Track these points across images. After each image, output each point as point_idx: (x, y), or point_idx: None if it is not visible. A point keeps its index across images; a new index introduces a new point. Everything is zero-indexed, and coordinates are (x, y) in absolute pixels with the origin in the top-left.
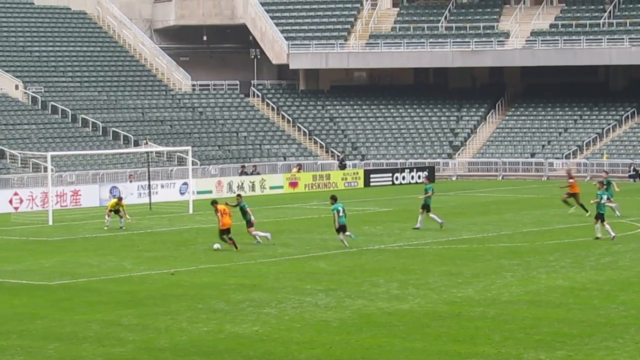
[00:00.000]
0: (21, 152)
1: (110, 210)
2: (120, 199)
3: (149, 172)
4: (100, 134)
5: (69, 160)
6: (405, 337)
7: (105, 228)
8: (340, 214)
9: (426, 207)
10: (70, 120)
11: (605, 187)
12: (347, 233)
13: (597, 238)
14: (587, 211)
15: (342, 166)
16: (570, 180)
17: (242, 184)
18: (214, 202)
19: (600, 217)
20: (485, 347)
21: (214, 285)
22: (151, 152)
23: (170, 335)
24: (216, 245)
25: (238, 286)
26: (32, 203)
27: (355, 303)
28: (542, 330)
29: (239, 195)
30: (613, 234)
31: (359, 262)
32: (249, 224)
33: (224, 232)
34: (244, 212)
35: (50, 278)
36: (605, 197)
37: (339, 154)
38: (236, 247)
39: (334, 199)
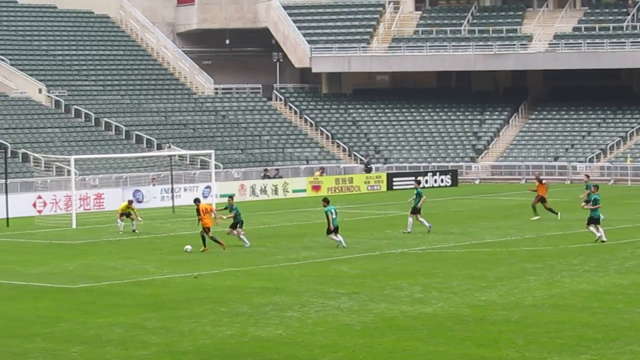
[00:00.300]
0: (45, 155)
1: (122, 214)
2: (130, 202)
3: (171, 175)
4: (123, 137)
5: (92, 164)
6: (429, 340)
7: (120, 232)
8: (333, 215)
9: (416, 211)
10: (93, 124)
11: (587, 192)
12: (339, 239)
13: (601, 241)
14: (557, 213)
15: (368, 169)
16: (541, 184)
17: (265, 187)
18: (197, 201)
19: (594, 221)
20: (508, 351)
21: (237, 289)
22: (174, 155)
23: (193, 339)
24: (188, 247)
25: (261, 289)
26: (55, 206)
27: (378, 306)
28: (565, 334)
29: (231, 196)
30: (598, 235)
31: (382, 265)
32: (241, 224)
33: (207, 231)
34: (238, 213)
35: (73, 281)
36: (593, 198)
37: (362, 158)
38: (223, 246)
39: (326, 201)
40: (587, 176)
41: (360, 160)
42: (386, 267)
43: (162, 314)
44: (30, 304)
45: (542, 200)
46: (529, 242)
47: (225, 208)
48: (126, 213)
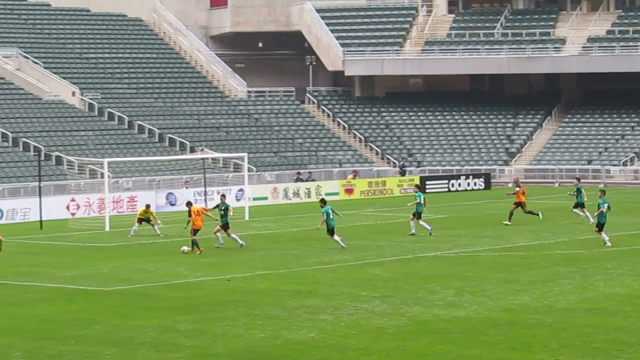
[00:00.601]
0: (78, 158)
1: (140, 219)
2: (147, 206)
3: (204, 178)
4: (157, 140)
5: (125, 167)
6: (462, 344)
7: (129, 236)
8: (330, 216)
9: (417, 215)
10: (126, 127)
11: (575, 194)
12: (337, 238)
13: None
14: (537, 214)
15: (402, 172)
16: (517, 189)
17: (298, 190)
18: (189, 204)
19: (601, 226)
20: (542, 354)
21: (269, 292)
22: (207, 158)
23: (226, 341)
24: (184, 248)
25: (294, 292)
26: (89, 209)
27: (411, 310)
28: (599, 338)
29: (223, 195)
30: (607, 238)
31: (415, 268)
32: (227, 225)
33: (196, 232)
34: (225, 214)
35: (107, 284)
36: (606, 205)
37: (395, 161)
38: (199, 250)
39: (323, 202)
40: (578, 179)
41: (394, 163)
42: (419, 270)
43: (195, 317)
44: (63, 307)
45: (520, 205)
46: (563, 245)
47: (216, 207)
48: (145, 219)
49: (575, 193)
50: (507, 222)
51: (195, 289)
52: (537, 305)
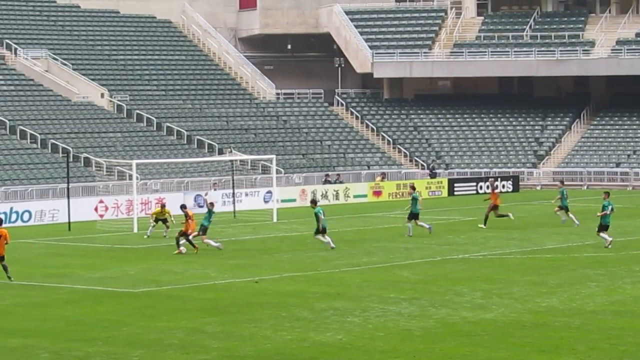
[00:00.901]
0: (106, 160)
1: (157, 219)
2: (163, 206)
3: (233, 180)
4: (185, 142)
5: (153, 169)
6: (489, 346)
7: (145, 237)
8: (322, 216)
9: (414, 216)
10: (155, 129)
11: (560, 197)
12: (327, 240)
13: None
14: (508, 215)
15: (433, 175)
16: (495, 191)
17: (326, 192)
18: (184, 207)
19: (604, 228)
20: (569, 357)
21: (297, 294)
22: (235, 160)
23: (254, 343)
24: (182, 249)
25: (322, 294)
26: (117, 211)
27: (439, 312)
28: (627, 341)
29: (211, 203)
30: (609, 239)
31: (443, 271)
32: (205, 230)
33: (187, 235)
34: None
35: (135, 285)
36: (610, 207)
37: (423, 163)
38: (181, 251)
39: (314, 202)
40: (561, 182)
41: (423, 165)
42: (447, 272)
43: (223, 319)
44: (91, 308)
45: (494, 208)
46: (590, 248)
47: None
48: (162, 219)
49: (560, 197)
50: (482, 226)
51: (223, 290)
52: (564, 307)
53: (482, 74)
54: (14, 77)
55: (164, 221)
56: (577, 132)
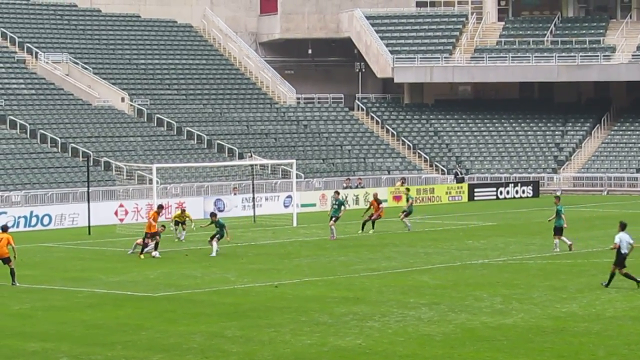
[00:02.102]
0: (127, 164)
1: (177, 222)
2: (183, 210)
3: (253, 184)
4: (205, 146)
5: (173, 173)
6: (509, 352)
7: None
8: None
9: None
10: (175, 133)
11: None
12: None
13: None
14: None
15: (460, 180)
16: (380, 205)
17: (346, 197)
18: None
19: (559, 231)
20: None
21: (317, 298)
22: (255, 164)
23: (273, 348)
24: (155, 253)
25: (341, 299)
26: (137, 215)
27: (458, 317)
28: None
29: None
30: (569, 243)
31: (463, 276)
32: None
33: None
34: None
35: (154, 289)
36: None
37: (444, 168)
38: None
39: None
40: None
41: (443, 170)
42: (467, 277)
43: (243, 323)
44: (111, 312)
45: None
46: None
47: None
48: (182, 221)
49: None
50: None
51: (243, 295)
52: (584, 313)
53: (503, 79)
54: (35, 81)
55: (183, 224)
56: (598, 137)
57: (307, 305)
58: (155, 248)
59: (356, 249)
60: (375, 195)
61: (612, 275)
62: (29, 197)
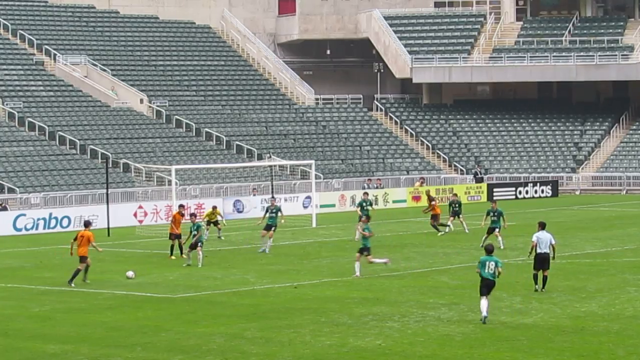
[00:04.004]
0: (145, 165)
1: (209, 222)
2: (214, 207)
3: (272, 185)
4: (224, 147)
5: (192, 174)
6: (529, 351)
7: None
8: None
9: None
10: (194, 134)
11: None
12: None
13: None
14: (440, 231)
15: (479, 179)
16: (432, 203)
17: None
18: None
19: (492, 230)
20: None
21: (336, 299)
22: (274, 165)
23: (293, 349)
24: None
25: (361, 300)
26: (156, 216)
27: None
28: None
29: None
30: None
31: None
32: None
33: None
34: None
35: (174, 291)
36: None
37: (462, 168)
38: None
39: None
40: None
41: (462, 170)
42: None
43: (262, 324)
44: (131, 314)
45: (435, 217)
46: (630, 253)
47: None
48: (214, 221)
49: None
50: (441, 234)
51: (262, 296)
52: (604, 312)
53: (521, 79)
54: (54, 83)
55: (215, 223)
56: (616, 136)
57: (326, 306)
58: (180, 250)
59: (375, 249)
60: (428, 194)
61: (535, 277)
62: (48, 199)
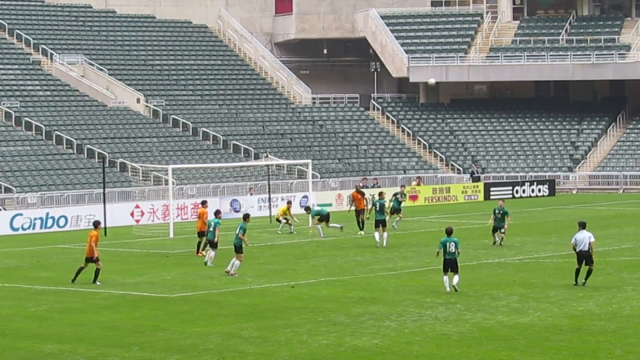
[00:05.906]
0: (142, 165)
1: (285, 217)
2: (289, 202)
3: (269, 185)
4: (221, 147)
5: (189, 173)
6: (526, 350)
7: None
8: (211, 228)
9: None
10: (191, 134)
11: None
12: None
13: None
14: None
15: (476, 178)
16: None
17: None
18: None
19: (380, 223)
20: None
21: (334, 298)
22: (271, 165)
23: (290, 348)
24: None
25: (358, 299)
26: (153, 216)
27: (475, 316)
28: None
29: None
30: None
31: (479, 275)
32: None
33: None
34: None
35: (171, 290)
36: (378, 204)
37: (459, 167)
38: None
39: (217, 213)
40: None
41: (459, 169)
42: (483, 277)
43: (259, 324)
44: (127, 313)
45: (361, 212)
46: (627, 252)
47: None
48: (286, 218)
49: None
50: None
51: (259, 295)
52: (601, 311)
53: (518, 78)
54: (50, 83)
55: (286, 219)
56: (613, 136)
57: (323, 305)
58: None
59: (372, 249)
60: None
61: (577, 272)
62: (44, 198)
